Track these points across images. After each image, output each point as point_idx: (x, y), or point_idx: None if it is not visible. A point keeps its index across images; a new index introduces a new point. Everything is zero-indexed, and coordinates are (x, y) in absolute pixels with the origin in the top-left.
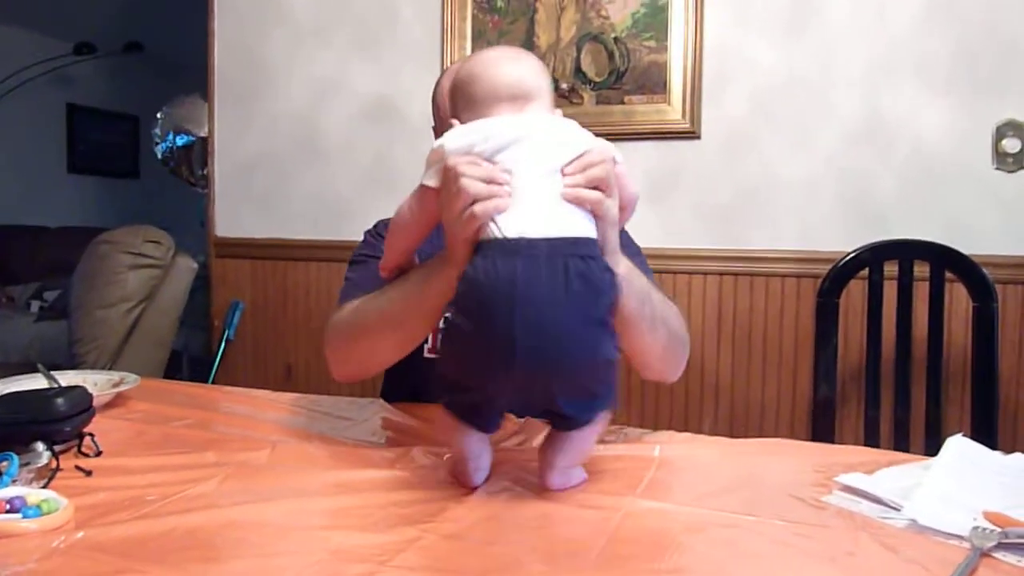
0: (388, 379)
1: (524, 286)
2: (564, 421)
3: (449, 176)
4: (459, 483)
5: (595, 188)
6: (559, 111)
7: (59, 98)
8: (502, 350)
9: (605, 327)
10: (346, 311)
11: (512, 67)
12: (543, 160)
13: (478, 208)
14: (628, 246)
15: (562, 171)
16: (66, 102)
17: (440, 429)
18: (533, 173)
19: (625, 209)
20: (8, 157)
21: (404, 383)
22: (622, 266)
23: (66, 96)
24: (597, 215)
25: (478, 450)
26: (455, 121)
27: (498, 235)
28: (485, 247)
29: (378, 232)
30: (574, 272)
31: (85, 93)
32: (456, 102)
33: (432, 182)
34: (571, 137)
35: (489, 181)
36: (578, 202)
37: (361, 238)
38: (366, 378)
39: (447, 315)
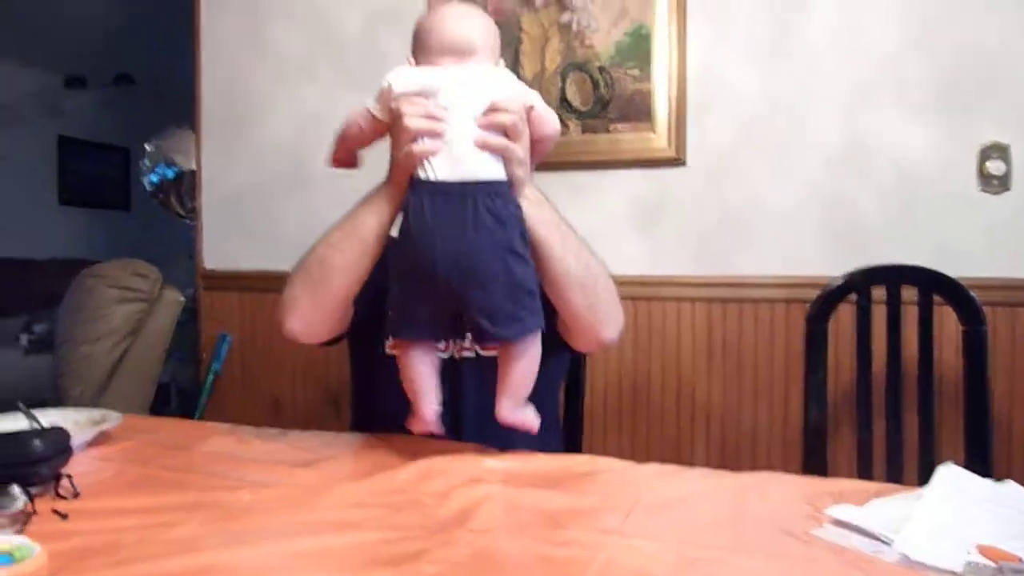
0: (356, 412)
1: (441, 220)
2: (490, 336)
3: (395, 115)
4: (416, 415)
5: (505, 134)
6: (502, 62)
7: (50, 130)
8: (428, 270)
9: (515, 254)
10: (300, 259)
11: (459, 24)
12: (466, 108)
13: (415, 147)
14: None
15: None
16: (57, 134)
17: (401, 370)
18: (457, 120)
19: (542, 143)
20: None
21: (373, 416)
22: (529, 192)
23: (57, 128)
24: (504, 158)
25: (427, 378)
26: (411, 59)
27: (425, 177)
28: (416, 186)
29: None
30: (483, 208)
31: (76, 125)
32: (414, 46)
33: (376, 112)
34: (493, 87)
35: (427, 117)
36: (486, 148)
37: None
38: (318, 328)
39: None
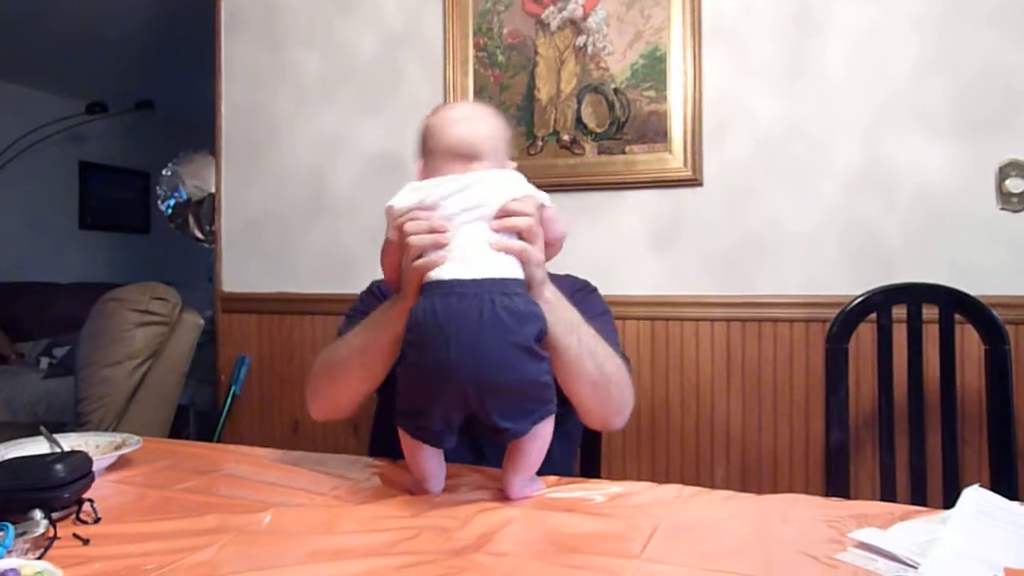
0: (375, 433)
1: (456, 319)
2: (501, 433)
3: (400, 233)
4: (418, 493)
5: (519, 236)
6: (512, 164)
7: (72, 156)
8: (442, 373)
9: (531, 353)
10: (324, 353)
11: (464, 128)
12: (477, 211)
13: (418, 263)
14: (595, 306)
15: (489, 222)
16: (79, 160)
17: (404, 449)
18: (467, 223)
19: (552, 246)
20: (22, 214)
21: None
22: (548, 293)
23: (79, 154)
24: (522, 260)
25: (434, 466)
26: (418, 161)
27: (436, 278)
28: (427, 289)
29: (371, 291)
30: (499, 305)
31: (97, 151)
32: (421, 146)
33: (389, 236)
34: (503, 190)
35: (431, 231)
36: (504, 251)
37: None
38: (340, 415)
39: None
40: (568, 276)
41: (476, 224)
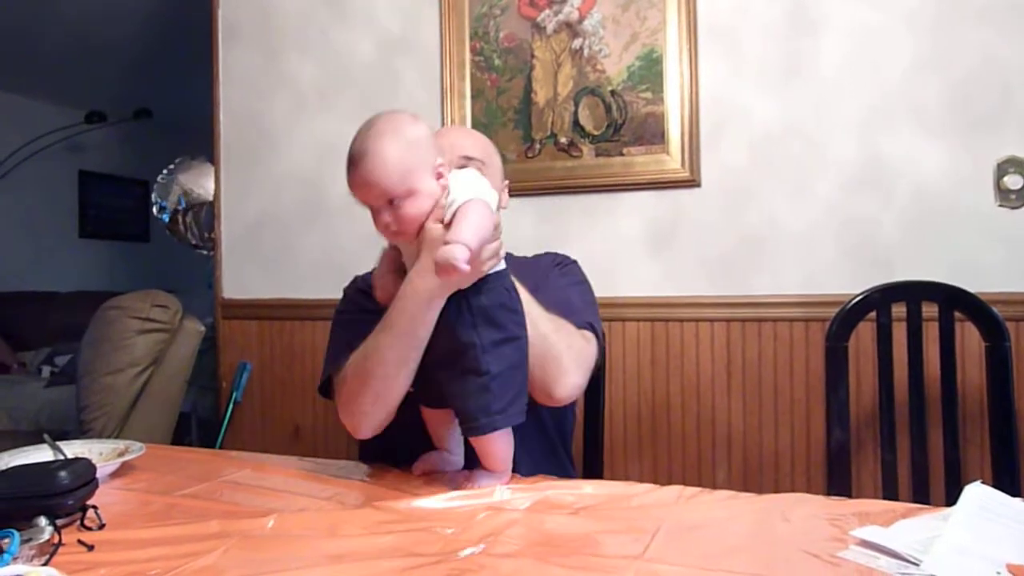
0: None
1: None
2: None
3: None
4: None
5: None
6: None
7: (71, 165)
8: None
9: None
10: (350, 367)
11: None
12: None
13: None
14: (575, 275)
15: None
16: (78, 168)
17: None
18: None
19: None
20: (22, 223)
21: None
22: None
23: (78, 163)
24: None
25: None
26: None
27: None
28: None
29: (357, 289)
30: None
31: (96, 159)
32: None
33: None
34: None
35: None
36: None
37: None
38: (384, 423)
39: None
40: (548, 253)
41: None
